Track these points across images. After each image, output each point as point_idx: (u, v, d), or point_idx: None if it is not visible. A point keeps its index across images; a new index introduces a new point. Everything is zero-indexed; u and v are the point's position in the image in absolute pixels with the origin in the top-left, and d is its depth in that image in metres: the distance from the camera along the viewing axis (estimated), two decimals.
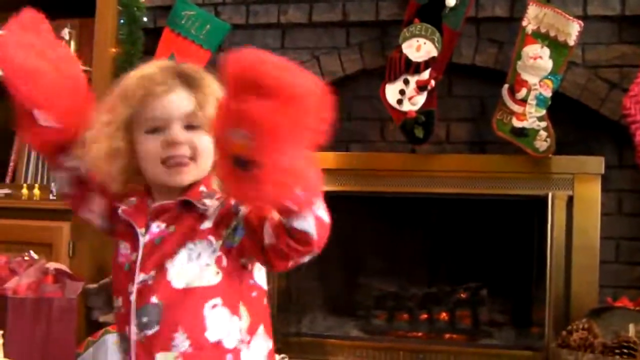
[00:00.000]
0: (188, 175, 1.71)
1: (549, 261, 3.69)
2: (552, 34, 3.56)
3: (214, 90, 1.73)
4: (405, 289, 4.33)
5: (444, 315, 4.24)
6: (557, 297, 3.68)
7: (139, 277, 1.69)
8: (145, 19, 4.14)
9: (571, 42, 3.55)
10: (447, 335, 4.10)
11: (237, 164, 1.36)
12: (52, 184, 4.04)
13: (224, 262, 1.69)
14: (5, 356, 2.66)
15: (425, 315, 4.26)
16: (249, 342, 1.72)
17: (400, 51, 3.74)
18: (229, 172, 1.40)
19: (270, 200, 1.41)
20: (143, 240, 1.72)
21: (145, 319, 1.67)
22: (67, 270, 3.43)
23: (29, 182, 4.25)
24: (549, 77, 3.59)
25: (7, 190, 4.12)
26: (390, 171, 3.89)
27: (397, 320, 4.25)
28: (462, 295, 4.28)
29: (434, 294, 4.32)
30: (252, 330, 1.73)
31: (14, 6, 4.33)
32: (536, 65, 3.58)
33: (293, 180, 1.36)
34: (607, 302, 3.55)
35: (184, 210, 1.72)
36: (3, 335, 2.66)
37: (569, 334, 3.28)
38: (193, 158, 1.70)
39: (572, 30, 3.54)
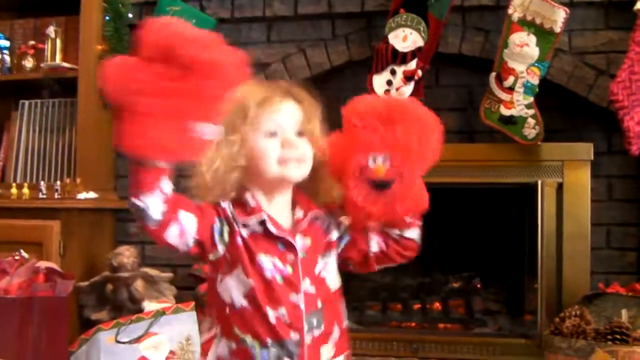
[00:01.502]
0: (300, 171, 1.91)
1: (540, 249, 3.69)
2: (538, 21, 3.56)
3: (314, 104, 1.99)
4: (399, 279, 4.33)
5: (437, 305, 4.24)
6: (549, 284, 3.69)
7: (303, 286, 1.89)
8: (130, 15, 4.13)
9: (557, 29, 3.55)
10: (441, 325, 4.11)
11: (375, 186, 1.81)
12: (42, 183, 4.03)
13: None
14: None
15: (419, 306, 4.26)
16: None
17: (387, 42, 3.73)
18: (367, 194, 1.85)
19: (404, 214, 1.88)
20: (296, 252, 1.91)
21: (314, 323, 1.89)
22: (58, 268, 3.43)
23: (18, 181, 4.24)
24: (536, 64, 3.59)
25: None
26: None
27: (390, 310, 4.25)
28: (455, 284, 4.28)
29: (427, 284, 4.32)
30: None
31: (4, 5, 4.34)
32: (523, 52, 3.58)
33: (422, 194, 1.85)
34: (599, 288, 3.55)
35: (312, 222, 1.96)
36: None
37: (562, 321, 3.28)
38: (301, 161, 1.90)
39: (558, 17, 3.54)
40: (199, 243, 1.84)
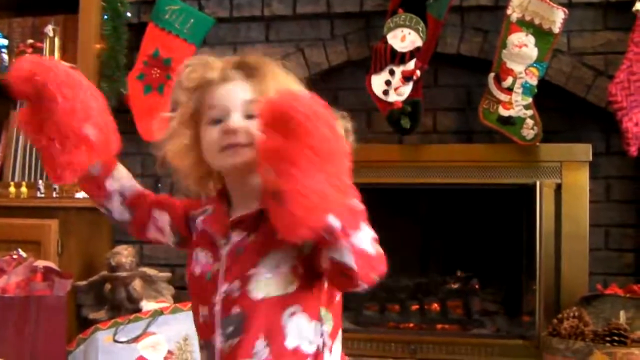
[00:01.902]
0: (242, 157, 1.68)
1: (539, 249, 3.69)
2: (536, 21, 3.56)
3: (277, 78, 1.79)
4: (396, 280, 4.32)
5: (435, 305, 4.23)
6: (547, 285, 3.69)
7: (223, 287, 1.69)
8: (129, 14, 4.13)
9: (556, 30, 3.55)
10: (439, 326, 4.10)
11: (272, 198, 1.41)
12: (40, 182, 4.03)
13: (300, 270, 1.66)
14: None
15: (417, 306, 4.26)
16: (330, 347, 1.71)
17: (385, 42, 3.73)
18: (270, 206, 1.44)
19: (302, 228, 1.40)
20: (225, 250, 1.73)
21: (230, 329, 1.67)
22: (56, 268, 3.43)
23: (16, 180, 4.23)
24: (535, 65, 3.59)
25: None
26: (378, 162, 3.89)
27: (388, 311, 4.25)
28: (452, 285, 4.28)
29: (425, 285, 4.32)
30: (334, 334, 1.73)
31: (2, 4, 4.33)
32: (521, 53, 3.58)
33: (317, 205, 1.39)
34: (597, 290, 3.55)
35: (262, 219, 1.65)
36: None
37: (560, 322, 3.29)
38: (250, 145, 1.66)
39: (557, 17, 3.54)
40: (180, 236, 1.84)
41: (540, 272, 3.69)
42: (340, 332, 1.76)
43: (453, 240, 4.26)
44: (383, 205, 4.09)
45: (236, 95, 1.72)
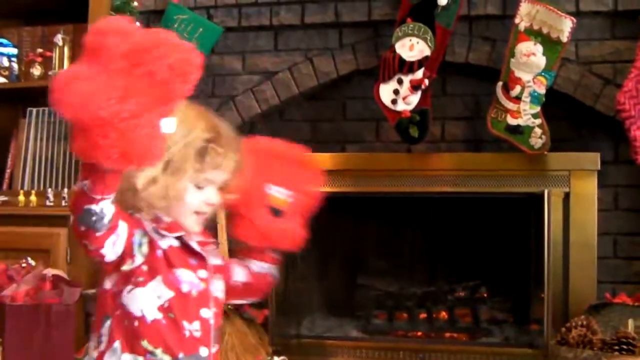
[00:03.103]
0: (202, 225, 2.01)
1: (547, 258, 3.68)
2: (545, 30, 3.56)
3: (241, 151, 2.01)
4: (405, 288, 4.33)
5: (443, 314, 4.24)
6: (556, 294, 3.68)
7: (213, 302, 1.96)
8: (138, 23, 4.13)
9: (564, 39, 3.55)
10: (447, 334, 4.10)
11: (273, 212, 2.18)
12: (49, 191, 4.04)
13: None
14: None
15: (425, 315, 4.26)
16: None
17: (394, 51, 3.73)
18: (267, 218, 2.19)
19: (288, 244, 2.15)
20: (210, 270, 1.98)
21: (215, 339, 1.95)
22: (65, 276, 3.43)
23: (25, 189, 4.25)
24: (543, 74, 3.59)
25: (4, 198, 4.13)
26: (387, 171, 3.89)
27: (396, 319, 4.25)
28: (461, 293, 4.28)
29: (433, 293, 4.32)
30: None
31: (12, 14, 4.35)
32: (530, 62, 3.58)
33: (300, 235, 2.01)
34: (605, 298, 3.55)
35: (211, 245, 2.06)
36: (1, 343, 2.67)
37: (568, 330, 3.28)
38: (209, 214, 2.01)
39: (565, 26, 3.54)
40: (122, 252, 1.86)
41: (548, 280, 3.69)
42: None
43: (461, 249, 4.26)
44: (391, 214, 4.11)
45: (226, 173, 1.95)
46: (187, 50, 1.66)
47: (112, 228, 1.77)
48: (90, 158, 1.58)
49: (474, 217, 4.13)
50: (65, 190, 4.04)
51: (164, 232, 1.92)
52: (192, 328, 1.88)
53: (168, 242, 1.92)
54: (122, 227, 1.81)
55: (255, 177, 2.10)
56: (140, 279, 1.86)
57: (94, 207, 1.68)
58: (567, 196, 3.70)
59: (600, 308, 3.47)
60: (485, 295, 4.21)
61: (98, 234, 1.74)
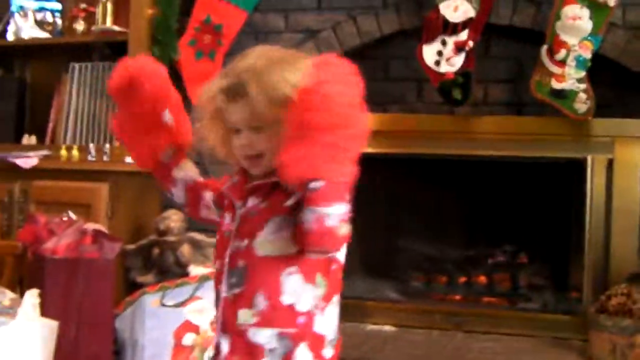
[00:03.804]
0: (260, 167, 1.93)
1: (588, 225, 3.66)
2: None
3: (266, 86, 1.85)
4: (443, 251, 4.32)
5: (482, 278, 4.23)
6: (596, 261, 3.66)
7: (234, 243, 1.92)
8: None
9: (611, 3, 3.50)
10: (485, 299, 4.10)
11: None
12: (91, 145, 4.06)
13: None
14: (42, 315, 2.69)
15: (464, 279, 4.26)
16: (323, 309, 1.91)
17: (438, 12, 3.70)
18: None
19: (289, 176, 1.73)
20: (239, 212, 1.94)
21: (233, 280, 1.90)
22: (105, 231, 3.46)
23: (67, 143, 4.27)
24: (589, 38, 3.54)
25: (46, 152, 4.15)
26: (428, 133, 3.88)
27: (435, 283, 4.26)
28: (500, 258, 4.26)
29: (472, 257, 4.31)
30: (327, 298, 1.92)
31: None
32: (576, 26, 3.53)
33: (303, 167, 1.68)
34: None
35: (275, 188, 1.89)
36: (40, 295, 2.69)
37: (608, 299, 3.27)
38: (260, 155, 1.91)
39: None
40: (221, 209, 2.07)
41: (589, 247, 3.67)
42: (335, 299, 1.96)
43: (501, 213, 4.24)
44: (432, 176, 4.08)
45: (235, 117, 1.91)
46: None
47: (193, 203, 2.16)
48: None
49: (515, 182, 4.11)
50: (107, 145, 4.05)
51: (226, 185, 2.05)
52: (217, 266, 1.98)
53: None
54: (208, 195, 2.14)
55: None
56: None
57: (167, 193, 2.00)
58: (610, 163, 3.66)
59: None
60: (524, 260, 4.20)
61: (185, 210, 2.09)
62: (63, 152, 4.09)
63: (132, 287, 3.70)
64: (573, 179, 3.87)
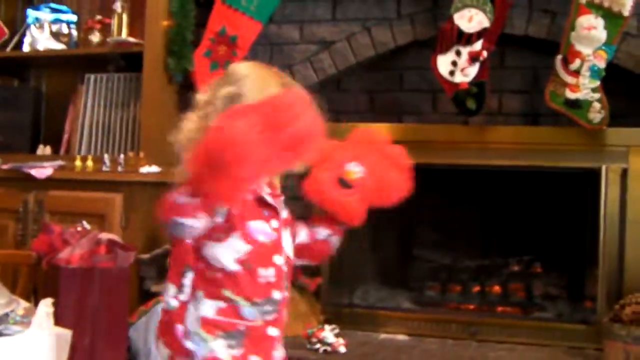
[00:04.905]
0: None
1: (602, 235, 3.65)
2: (606, 4, 3.51)
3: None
4: (458, 261, 4.32)
5: (496, 288, 4.22)
6: (611, 271, 3.65)
7: (285, 249, 2.11)
8: None
9: (626, 13, 3.50)
10: (500, 308, 4.09)
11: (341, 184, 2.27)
12: (105, 156, 4.07)
13: None
14: (56, 325, 2.70)
15: (478, 288, 4.25)
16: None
17: (452, 22, 3.70)
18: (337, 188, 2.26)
19: (355, 217, 2.27)
20: (280, 220, 2.11)
21: (286, 284, 2.11)
22: (120, 240, 3.46)
23: (82, 154, 4.29)
24: (603, 47, 3.54)
25: (61, 163, 4.16)
26: (443, 143, 3.88)
27: (449, 292, 4.25)
28: (515, 268, 4.26)
29: (487, 267, 4.30)
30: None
31: None
32: (590, 36, 3.53)
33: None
34: None
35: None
36: (55, 304, 2.70)
37: (622, 308, 3.26)
38: None
39: (627, 0, 3.48)
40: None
41: (603, 257, 3.66)
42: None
43: (516, 223, 4.23)
44: (447, 186, 4.08)
45: None
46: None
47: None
48: (216, 198, 1.81)
49: (530, 191, 4.10)
50: (122, 156, 4.07)
51: None
52: (267, 274, 2.04)
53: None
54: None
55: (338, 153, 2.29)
56: (220, 235, 2.00)
57: (190, 221, 1.87)
58: (624, 172, 3.65)
59: None
60: (539, 270, 4.19)
61: (186, 239, 2.02)
62: (78, 163, 4.11)
63: (146, 297, 3.71)
64: (587, 189, 3.86)
